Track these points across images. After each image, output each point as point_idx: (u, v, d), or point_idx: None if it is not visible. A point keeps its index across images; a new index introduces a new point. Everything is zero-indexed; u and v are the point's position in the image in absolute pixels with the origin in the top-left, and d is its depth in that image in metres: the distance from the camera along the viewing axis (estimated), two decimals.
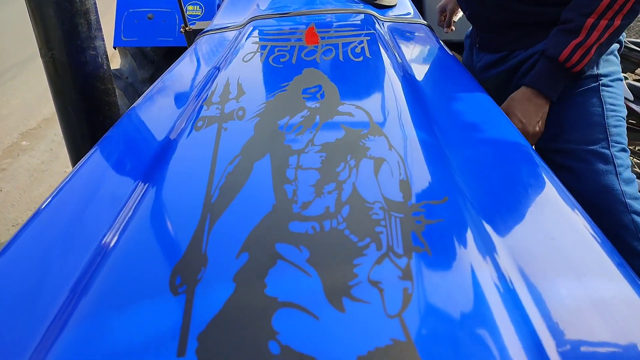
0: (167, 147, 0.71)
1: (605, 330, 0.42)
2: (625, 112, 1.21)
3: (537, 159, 0.69)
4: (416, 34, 1.32)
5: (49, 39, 1.02)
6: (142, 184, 0.62)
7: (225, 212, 0.54)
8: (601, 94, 1.13)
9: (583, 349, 0.41)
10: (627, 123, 3.62)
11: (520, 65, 1.22)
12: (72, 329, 0.41)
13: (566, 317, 0.43)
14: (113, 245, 0.50)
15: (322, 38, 1.11)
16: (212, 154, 0.65)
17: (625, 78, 3.42)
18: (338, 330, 0.39)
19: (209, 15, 2.28)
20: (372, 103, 0.79)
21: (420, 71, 1.00)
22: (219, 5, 2.30)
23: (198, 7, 2.29)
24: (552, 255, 0.49)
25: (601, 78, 1.14)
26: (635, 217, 1.08)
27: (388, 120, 0.73)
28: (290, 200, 0.55)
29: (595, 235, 0.54)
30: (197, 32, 1.49)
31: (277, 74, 0.92)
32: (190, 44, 1.54)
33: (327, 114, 0.75)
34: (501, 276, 0.46)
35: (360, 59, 0.99)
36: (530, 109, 1.08)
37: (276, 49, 1.05)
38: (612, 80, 1.16)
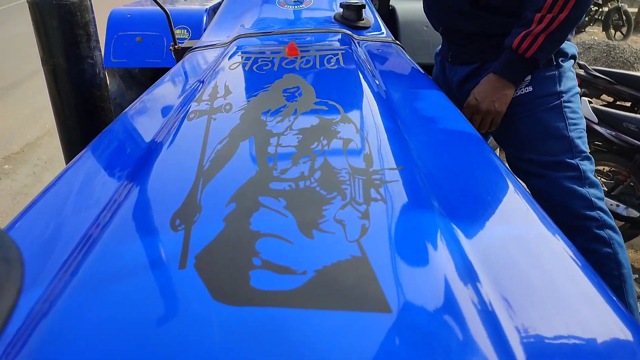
0: (162, 135, 0.81)
1: (561, 317, 0.45)
2: (584, 123, 1.38)
3: (481, 143, 0.81)
4: (388, 51, 1.46)
5: (51, 48, 1.12)
6: (142, 162, 0.72)
7: (216, 176, 0.64)
8: (563, 110, 1.31)
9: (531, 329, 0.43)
10: (593, 145, 3.83)
11: None
12: (93, 255, 0.50)
13: (492, 250, 0.53)
14: (124, 198, 0.60)
15: (302, 51, 1.23)
16: (203, 137, 0.76)
17: (590, 102, 3.63)
18: (308, 250, 0.49)
19: (196, 37, 2.41)
20: (344, 99, 0.90)
21: (388, 77, 1.13)
22: (205, 29, 2.44)
23: (185, 30, 2.42)
24: (483, 204, 0.61)
25: (562, 95, 1.31)
26: (599, 212, 1.25)
27: (357, 112, 0.85)
28: (271, 168, 0.65)
29: (521, 191, 0.66)
30: (186, 50, 1.61)
31: (260, 78, 1.04)
32: (179, 61, 1.66)
33: (304, 107, 0.86)
34: (442, 217, 0.57)
35: (335, 67, 1.11)
36: (487, 89, 1.26)
37: (259, 60, 1.17)
38: (572, 96, 1.33)
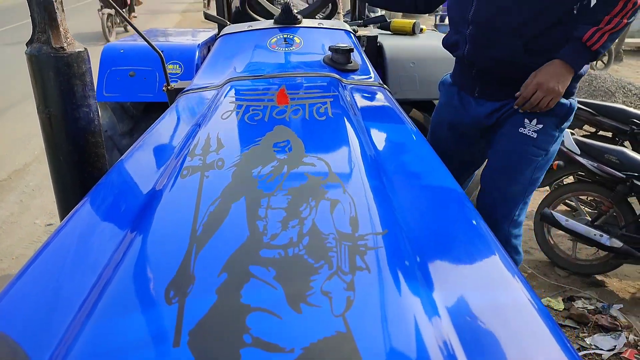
0: (156, 193, 0.84)
1: (503, 331, 0.56)
2: (537, 186, 1.67)
3: (464, 201, 0.85)
4: (375, 95, 1.51)
5: (47, 98, 1.15)
6: (135, 225, 0.74)
7: (208, 243, 0.66)
8: (537, 163, 1.58)
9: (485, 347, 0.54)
10: (576, 176, 3.92)
11: None
12: (90, 329, 0.52)
13: (471, 321, 0.57)
14: (119, 266, 0.62)
15: (292, 99, 1.28)
16: (196, 197, 0.79)
17: (573, 134, 3.73)
18: (296, 325, 0.52)
19: (188, 72, 2.46)
20: (331, 155, 0.94)
21: (375, 129, 1.17)
22: (197, 65, 2.49)
23: (178, 65, 2.47)
24: (464, 271, 0.64)
25: (547, 155, 1.57)
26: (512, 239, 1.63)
27: (344, 170, 0.89)
28: (261, 233, 0.68)
29: (501, 255, 0.69)
30: (179, 91, 1.64)
31: (251, 130, 1.07)
32: (172, 102, 1.69)
33: (293, 164, 0.89)
34: (424, 288, 0.60)
35: (324, 118, 1.15)
36: (554, 71, 1.44)
37: (251, 108, 1.21)
38: (549, 159, 1.59)
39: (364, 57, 1.81)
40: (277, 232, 0.68)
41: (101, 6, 9.35)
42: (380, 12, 9.78)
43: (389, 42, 2.56)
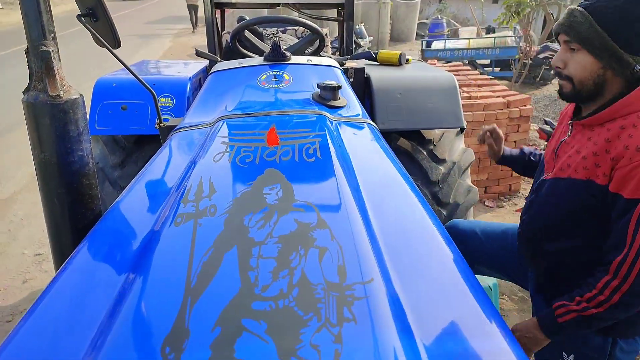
0: (151, 242, 0.87)
1: None
2: None
3: (450, 246, 0.89)
4: (361, 131, 1.56)
5: (42, 143, 1.18)
6: (132, 275, 0.77)
7: (202, 295, 0.69)
8: None
9: None
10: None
11: None
12: None
13: None
14: (113, 321, 0.65)
15: (282, 139, 1.32)
16: (190, 247, 0.82)
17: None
18: None
19: (180, 105, 2.50)
20: (320, 200, 0.98)
21: (361, 170, 1.21)
22: (188, 98, 2.54)
23: (169, 99, 2.51)
24: (446, 318, 0.68)
25: None
26: None
27: (332, 215, 0.92)
28: (252, 284, 0.71)
29: (483, 302, 0.73)
30: (171, 128, 1.68)
31: (243, 174, 1.11)
32: (164, 139, 1.73)
33: (283, 210, 0.93)
34: (405, 339, 0.63)
35: (313, 159, 1.19)
36: (525, 327, 1.30)
37: (242, 149, 1.25)
38: None
39: (351, 92, 1.87)
40: (268, 283, 0.72)
41: None
42: (365, 46, 9.99)
43: (376, 74, 2.63)
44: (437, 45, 9.84)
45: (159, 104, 2.50)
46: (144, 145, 2.54)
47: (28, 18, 1.12)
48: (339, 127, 1.52)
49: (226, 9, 3.52)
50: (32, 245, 4.12)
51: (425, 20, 15.68)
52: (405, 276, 0.77)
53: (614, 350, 1.33)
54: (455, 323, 0.68)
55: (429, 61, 6.43)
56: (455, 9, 17.71)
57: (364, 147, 1.42)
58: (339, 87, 1.72)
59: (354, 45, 3.09)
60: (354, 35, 3.29)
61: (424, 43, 10.16)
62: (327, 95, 1.71)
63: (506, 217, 4.64)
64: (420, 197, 1.09)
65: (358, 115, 1.69)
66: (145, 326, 0.64)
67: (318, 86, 1.73)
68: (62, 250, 1.27)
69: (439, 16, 14.84)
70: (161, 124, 1.75)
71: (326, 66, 1.99)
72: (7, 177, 5.00)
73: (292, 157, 1.20)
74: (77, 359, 0.60)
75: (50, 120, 1.16)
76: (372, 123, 1.65)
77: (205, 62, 2.90)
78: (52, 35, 1.16)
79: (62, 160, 1.20)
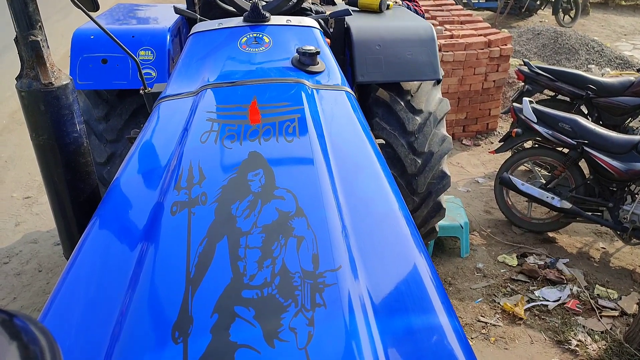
0: (151, 232, 1.00)
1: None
2: None
3: (411, 227, 1.04)
4: (338, 103, 1.64)
5: (38, 128, 1.27)
6: (139, 267, 0.91)
7: (201, 285, 0.84)
8: None
9: None
10: (534, 141, 4.22)
11: None
12: None
13: (401, 339, 0.77)
14: (128, 308, 0.80)
15: (263, 115, 1.42)
16: (186, 237, 0.95)
17: (531, 102, 3.94)
18: (271, 359, 0.71)
19: (160, 59, 2.51)
20: (298, 187, 1.11)
21: (336, 150, 1.31)
22: (169, 50, 2.54)
23: (150, 52, 2.51)
24: (402, 298, 0.85)
25: None
26: None
27: (308, 203, 1.06)
28: (242, 274, 0.87)
29: (434, 280, 0.90)
30: (156, 95, 1.75)
31: (229, 157, 1.22)
32: (150, 106, 1.80)
33: (266, 198, 1.06)
34: (366, 317, 0.80)
35: (292, 140, 1.30)
36: None
37: (227, 128, 1.35)
38: None
39: (330, 56, 1.93)
40: (254, 272, 0.87)
41: None
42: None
43: (356, 24, 2.64)
44: None
45: (139, 58, 2.51)
46: (126, 97, 2.58)
47: (15, 9, 1.15)
48: (316, 96, 1.61)
49: None
50: (19, 188, 4.18)
51: None
52: (368, 262, 0.93)
53: None
54: (409, 307, 0.85)
55: None
56: None
57: (339, 122, 1.52)
58: (318, 53, 1.78)
59: None
60: None
61: None
62: (306, 61, 1.77)
63: (482, 155, 4.84)
64: (390, 178, 1.23)
65: (337, 83, 1.76)
66: (157, 314, 0.80)
67: (297, 51, 1.78)
68: (66, 222, 1.40)
69: None
70: (146, 90, 1.81)
71: (306, 27, 2.02)
72: None
73: (273, 138, 1.31)
74: (102, 348, 0.75)
75: (45, 106, 1.24)
76: (349, 90, 1.74)
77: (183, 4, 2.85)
78: (39, 24, 1.20)
79: (59, 142, 1.29)
